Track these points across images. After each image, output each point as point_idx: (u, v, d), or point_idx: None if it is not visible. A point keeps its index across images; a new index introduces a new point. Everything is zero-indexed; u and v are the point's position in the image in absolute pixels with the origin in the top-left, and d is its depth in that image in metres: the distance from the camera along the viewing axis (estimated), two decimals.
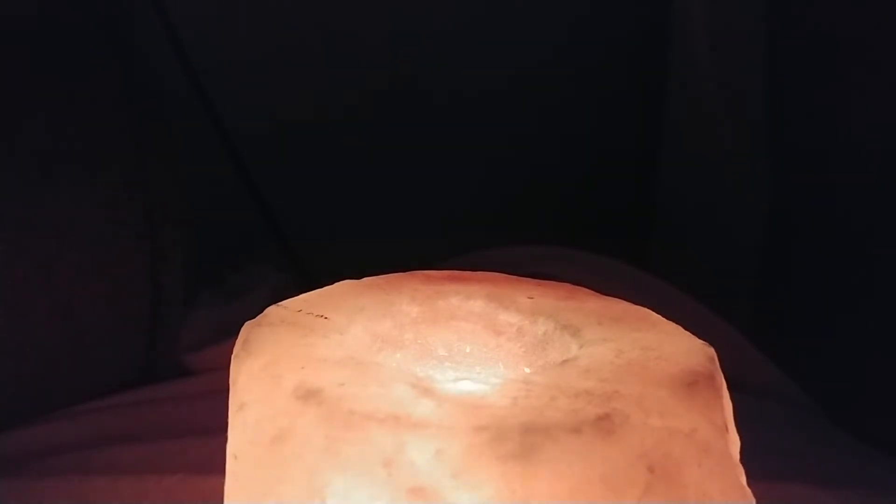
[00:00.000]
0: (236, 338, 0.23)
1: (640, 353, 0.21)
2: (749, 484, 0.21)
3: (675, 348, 0.22)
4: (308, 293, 0.25)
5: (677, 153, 0.66)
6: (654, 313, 0.24)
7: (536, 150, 0.70)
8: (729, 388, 0.22)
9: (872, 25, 0.47)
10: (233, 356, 0.22)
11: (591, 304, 0.25)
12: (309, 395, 0.19)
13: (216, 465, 0.23)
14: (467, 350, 0.24)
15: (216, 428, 0.23)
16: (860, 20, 0.48)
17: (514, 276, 0.27)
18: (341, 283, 0.26)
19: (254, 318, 0.24)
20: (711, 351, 0.22)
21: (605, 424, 0.18)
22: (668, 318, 0.24)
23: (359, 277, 0.26)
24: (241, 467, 0.21)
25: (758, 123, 0.58)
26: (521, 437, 0.17)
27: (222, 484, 0.22)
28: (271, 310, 0.24)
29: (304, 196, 0.67)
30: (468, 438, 0.18)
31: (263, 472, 0.19)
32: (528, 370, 0.23)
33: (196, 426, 0.39)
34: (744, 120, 0.59)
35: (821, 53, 0.51)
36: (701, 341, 0.22)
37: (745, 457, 0.21)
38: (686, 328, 0.23)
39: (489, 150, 0.69)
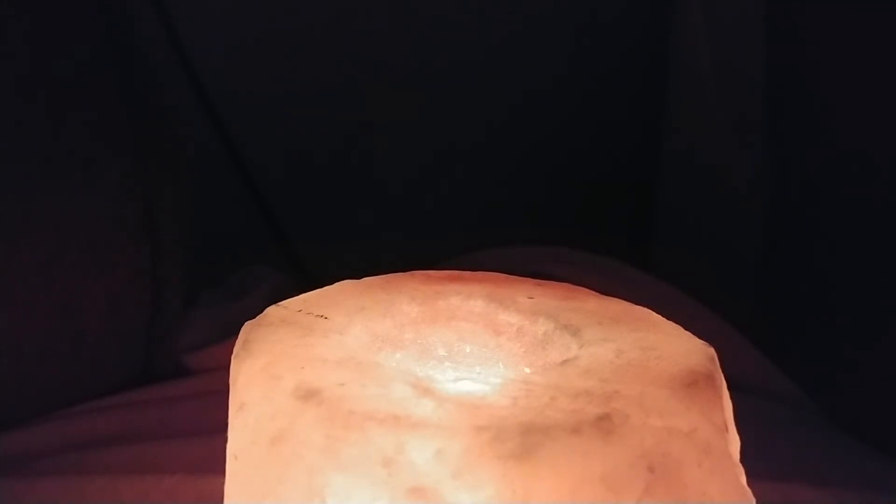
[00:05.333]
0: (236, 338, 0.23)
1: (640, 353, 0.21)
2: (749, 484, 0.21)
3: (675, 348, 0.22)
4: (308, 293, 0.25)
5: (677, 154, 0.66)
6: (654, 313, 0.24)
7: (537, 150, 0.70)
8: (729, 388, 0.22)
9: (872, 27, 0.47)
10: (233, 356, 0.22)
11: (591, 304, 0.25)
12: (309, 395, 0.19)
13: (216, 465, 0.23)
14: (467, 350, 0.24)
15: (216, 428, 0.23)
16: (860, 21, 0.48)
17: (514, 276, 0.27)
18: (341, 283, 0.26)
19: (254, 318, 0.24)
20: (711, 351, 0.22)
21: (605, 424, 0.18)
22: (668, 318, 0.24)
23: (359, 277, 0.26)
24: (241, 467, 0.21)
25: (758, 124, 0.58)
26: (521, 437, 0.17)
27: (222, 484, 0.22)
28: (271, 310, 0.24)
29: (304, 196, 0.67)
30: (468, 438, 0.18)
31: (263, 472, 0.19)
32: (528, 370, 0.23)
33: (196, 426, 0.39)
34: (744, 121, 0.59)
35: (821, 55, 0.51)
36: (701, 341, 0.22)
37: (745, 457, 0.21)
38: (686, 328, 0.23)
39: (489, 150, 0.69)
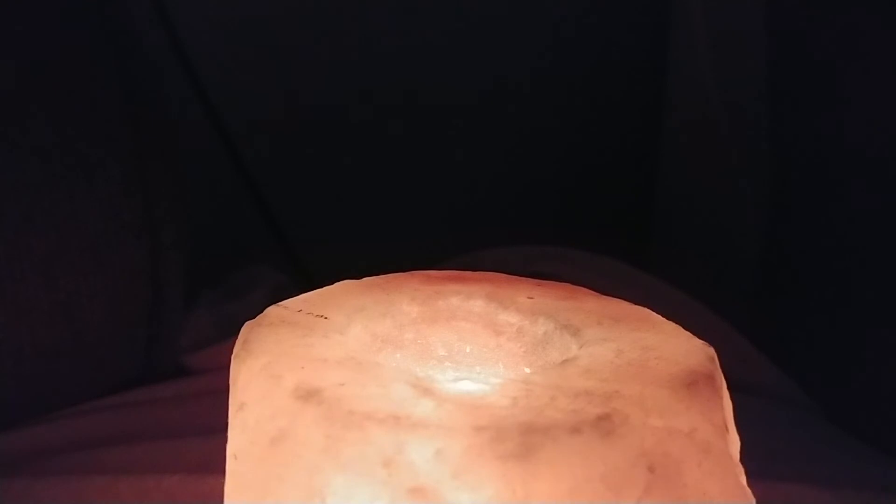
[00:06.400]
0: (236, 338, 0.23)
1: (640, 353, 0.21)
2: (749, 484, 0.21)
3: (675, 348, 0.22)
4: (308, 293, 0.25)
5: (677, 153, 0.66)
6: (654, 313, 0.24)
7: (536, 149, 0.70)
8: (729, 388, 0.22)
9: (872, 26, 0.47)
10: (233, 356, 0.22)
11: (591, 304, 0.25)
12: (309, 395, 0.19)
13: (216, 465, 0.23)
14: (467, 350, 0.24)
15: (216, 428, 0.23)
16: (860, 21, 0.48)
17: (514, 276, 0.27)
18: (341, 283, 0.26)
19: (254, 318, 0.24)
20: (711, 351, 0.22)
21: (605, 424, 0.18)
22: (668, 318, 0.24)
23: (359, 277, 0.26)
24: (241, 467, 0.21)
25: (758, 123, 0.58)
26: (521, 437, 0.17)
27: (222, 484, 0.22)
28: (271, 310, 0.24)
29: (304, 196, 0.67)
30: (468, 438, 0.18)
31: (263, 472, 0.19)
32: (528, 370, 0.23)
33: (196, 426, 0.39)
34: (743, 120, 0.59)
35: (821, 53, 0.51)
36: (701, 341, 0.22)
37: (745, 457, 0.21)
38: (686, 328, 0.23)
39: (489, 150, 0.69)
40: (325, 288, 0.26)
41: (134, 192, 0.47)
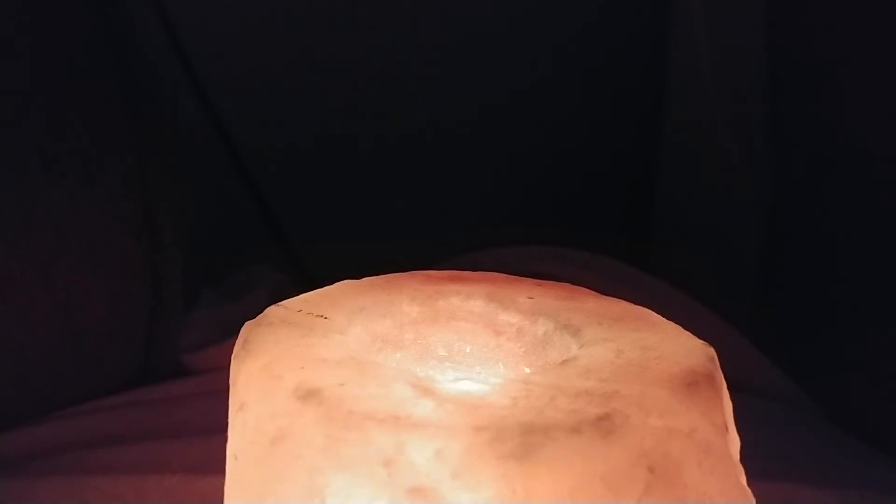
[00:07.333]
0: (236, 338, 0.23)
1: (640, 353, 0.21)
2: (749, 484, 0.21)
3: (675, 348, 0.22)
4: (308, 293, 0.25)
5: (677, 153, 0.66)
6: (654, 313, 0.24)
7: (536, 149, 0.70)
8: (729, 388, 0.22)
9: (872, 27, 0.47)
10: (233, 356, 0.22)
11: (591, 304, 0.25)
12: (309, 395, 0.19)
13: (216, 465, 0.23)
14: (467, 350, 0.24)
15: (216, 428, 0.23)
16: (860, 22, 0.48)
17: (514, 276, 0.27)
18: (341, 283, 0.26)
19: (254, 318, 0.24)
20: (711, 351, 0.22)
21: (605, 424, 0.18)
22: (668, 318, 0.24)
23: (359, 277, 0.26)
24: (241, 467, 0.21)
25: (758, 124, 0.58)
26: (521, 437, 0.17)
27: (222, 484, 0.22)
28: (271, 310, 0.24)
29: (304, 196, 0.67)
30: (468, 438, 0.18)
31: (263, 472, 0.19)
32: (528, 370, 0.23)
33: (196, 426, 0.39)
34: (744, 121, 0.59)
35: (821, 55, 0.51)
36: (701, 341, 0.22)
37: (745, 457, 0.21)
38: (686, 328, 0.23)
39: (489, 150, 0.69)
40: (325, 288, 0.26)
41: (134, 192, 0.47)
